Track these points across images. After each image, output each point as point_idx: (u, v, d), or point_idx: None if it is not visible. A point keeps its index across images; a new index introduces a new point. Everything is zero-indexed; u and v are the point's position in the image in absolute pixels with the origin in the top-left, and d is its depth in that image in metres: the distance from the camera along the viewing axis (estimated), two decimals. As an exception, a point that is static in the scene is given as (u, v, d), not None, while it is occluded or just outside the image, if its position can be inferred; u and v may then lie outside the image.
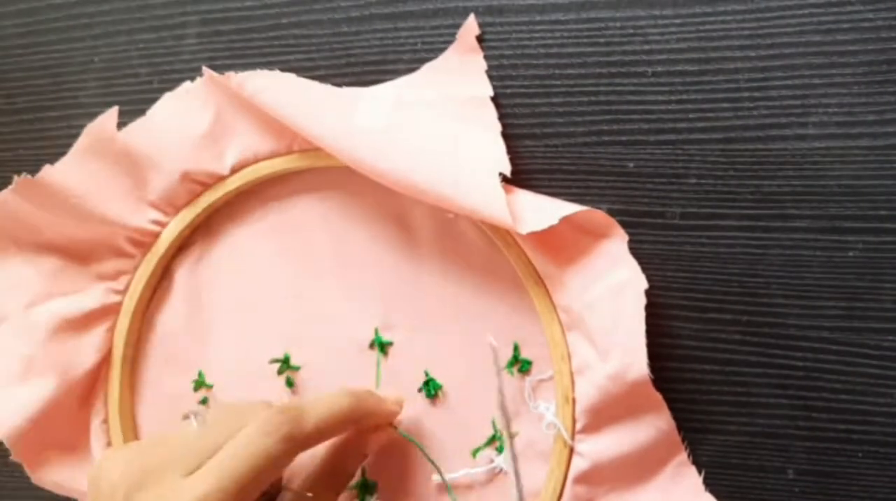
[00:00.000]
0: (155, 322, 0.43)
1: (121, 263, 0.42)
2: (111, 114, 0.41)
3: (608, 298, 0.34)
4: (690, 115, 0.36)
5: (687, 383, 0.37)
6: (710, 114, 0.36)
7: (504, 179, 0.35)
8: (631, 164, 0.37)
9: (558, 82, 0.37)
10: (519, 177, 0.37)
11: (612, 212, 0.37)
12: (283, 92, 0.38)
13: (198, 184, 0.41)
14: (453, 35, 0.39)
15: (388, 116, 0.37)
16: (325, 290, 0.41)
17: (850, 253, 0.35)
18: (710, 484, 0.37)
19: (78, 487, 0.42)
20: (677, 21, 0.36)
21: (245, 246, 0.42)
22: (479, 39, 0.38)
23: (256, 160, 0.40)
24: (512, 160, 0.36)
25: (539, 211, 0.35)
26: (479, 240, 0.38)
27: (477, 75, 0.38)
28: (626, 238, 0.35)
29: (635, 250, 0.37)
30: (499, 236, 0.37)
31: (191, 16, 0.42)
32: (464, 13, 0.38)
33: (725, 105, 0.35)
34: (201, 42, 0.42)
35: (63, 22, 0.45)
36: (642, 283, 0.34)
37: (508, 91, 0.38)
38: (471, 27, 0.38)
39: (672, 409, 0.36)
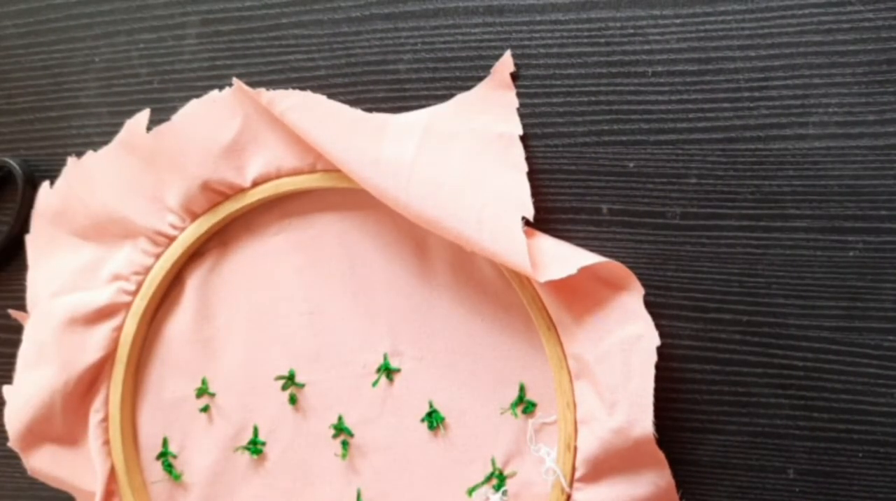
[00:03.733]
0: (163, 326, 0.43)
1: (135, 264, 0.42)
2: (145, 114, 0.41)
3: (619, 352, 0.34)
4: (690, 115, 0.36)
5: (687, 383, 0.37)
6: (711, 114, 0.36)
7: (526, 222, 0.35)
8: (631, 164, 0.37)
9: (558, 82, 0.37)
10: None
11: (612, 212, 0.37)
12: (312, 113, 0.38)
13: (218, 193, 0.41)
14: (453, 35, 0.39)
15: (415, 148, 0.37)
16: (336, 310, 0.40)
17: (851, 253, 0.35)
18: (710, 484, 0.37)
19: (72, 482, 0.42)
20: (677, 21, 0.36)
21: (260, 258, 0.42)
22: (514, 77, 0.38)
23: (279, 175, 0.40)
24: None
25: (559, 259, 0.35)
26: (494, 276, 0.38)
27: (508, 112, 0.37)
28: (642, 292, 0.35)
29: (635, 250, 0.37)
30: (514, 276, 0.36)
31: (191, 16, 0.42)
32: (464, 13, 0.38)
33: (726, 105, 0.35)
34: (201, 42, 0.42)
35: (63, 22, 0.45)
36: (655, 340, 0.34)
37: (508, 91, 0.38)
38: (506, 63, 0.37)
39: (672, 409, 0.36)
